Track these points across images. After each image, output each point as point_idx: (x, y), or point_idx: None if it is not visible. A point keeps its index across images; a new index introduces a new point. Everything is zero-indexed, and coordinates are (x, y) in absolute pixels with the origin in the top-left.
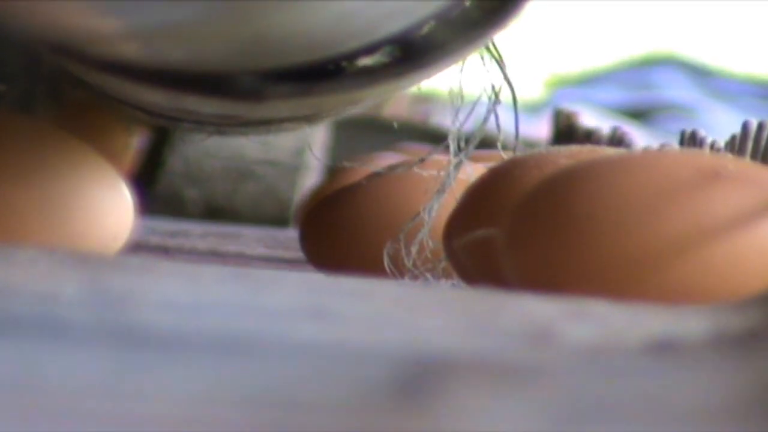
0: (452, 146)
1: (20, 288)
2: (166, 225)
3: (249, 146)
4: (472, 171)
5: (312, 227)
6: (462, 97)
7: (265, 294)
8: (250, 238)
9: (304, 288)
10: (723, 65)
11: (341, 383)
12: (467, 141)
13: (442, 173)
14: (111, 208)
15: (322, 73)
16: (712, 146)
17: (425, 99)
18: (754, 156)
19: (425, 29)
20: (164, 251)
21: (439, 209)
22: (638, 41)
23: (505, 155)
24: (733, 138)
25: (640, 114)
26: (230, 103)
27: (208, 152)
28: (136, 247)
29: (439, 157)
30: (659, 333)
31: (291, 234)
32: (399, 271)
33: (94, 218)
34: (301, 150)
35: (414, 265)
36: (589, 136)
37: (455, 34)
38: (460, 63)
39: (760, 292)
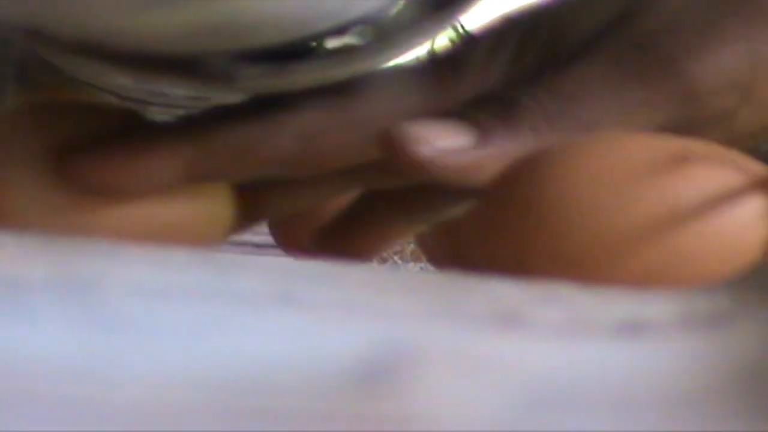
0: None
1: None
2: None
3: None
4: None
5: None
6: None
7: (233, 278)
8: None
9: (272, 272)
10: None
11: (309, 367)
12: None
13: None
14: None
15: (293, 55)
16: None
17: None
18: None
19: (394, 9)
20: None
21: None
22: None
23: None
24: None
25: None
26: (200, 85)
27: None
28: None
29: None
30: (628, 317)
31: None
32: None
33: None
34: None
35: None
36: None
37: (424, 14)
38: (430, 43)
39: (729, 276)
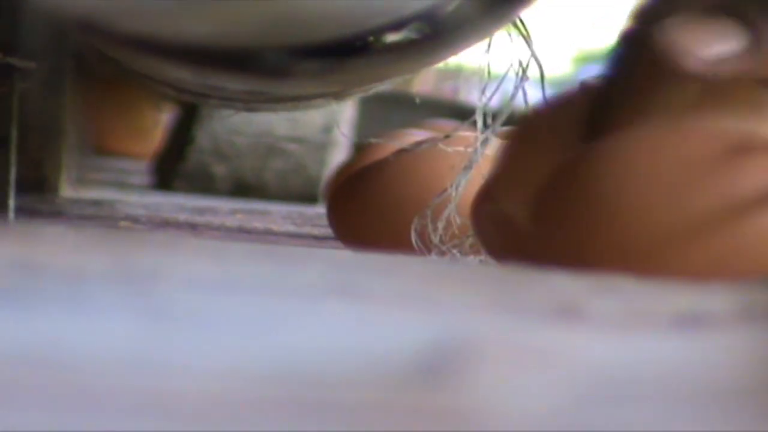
0: (479, 122)
1: (47, 264)
2: (194, 202)
3: (277, 123)
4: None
5: (339, 204)
6: (489, 73)
7: (292, 271)
8: (278, 214)
9: (331, 265)
10: None
11: (368, 360)
12: (494, 117)
13: (469, 149)
14: None
15: (350, 50)
16: None
17: (453, 75)
18: None
19: (452, 5)
20: (192, 228)
21: (466, 185)
22: None
23: None
24: None
25: None
26: (257, 79)
27: (237, 129)
28: (165, 223)
29: (466, 134)
30: (687, 309)
31: (319, 210)
32: (426, 247)
33: None
34: (329, 127)
35: (441, 241)
36: None
37: (482, 10)
38: (488, 39)
39: None
